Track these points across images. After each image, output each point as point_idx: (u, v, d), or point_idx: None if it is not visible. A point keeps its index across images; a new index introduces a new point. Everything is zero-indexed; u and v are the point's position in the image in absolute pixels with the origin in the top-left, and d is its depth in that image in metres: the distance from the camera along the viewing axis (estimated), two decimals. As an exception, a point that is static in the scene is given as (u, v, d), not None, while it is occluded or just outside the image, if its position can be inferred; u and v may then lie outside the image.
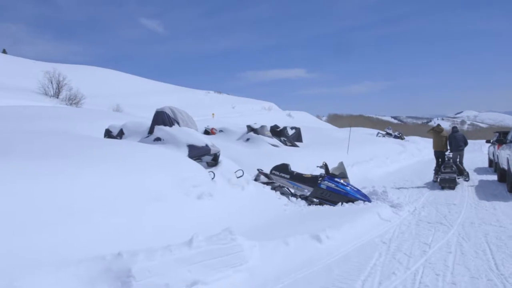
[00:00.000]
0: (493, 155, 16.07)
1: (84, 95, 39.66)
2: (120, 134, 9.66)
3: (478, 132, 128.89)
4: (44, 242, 3.89)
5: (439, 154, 13.10)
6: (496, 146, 14.86)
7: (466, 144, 13.07)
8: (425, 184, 12.39)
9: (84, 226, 4.42)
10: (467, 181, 12.33)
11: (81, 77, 64.13)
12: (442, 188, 11.20)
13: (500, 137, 15.24)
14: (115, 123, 10.71)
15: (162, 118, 8.60)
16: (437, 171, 12.40)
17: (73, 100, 37.93)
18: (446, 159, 12.56)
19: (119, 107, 44.22)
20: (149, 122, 9.17)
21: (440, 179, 11.33)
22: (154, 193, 5.71)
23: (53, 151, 5.76)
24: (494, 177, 13.54)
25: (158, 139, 8.12)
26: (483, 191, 10.81)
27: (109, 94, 60.46)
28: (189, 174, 6.62)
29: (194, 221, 5.82)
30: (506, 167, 11.15)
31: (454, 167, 11.54)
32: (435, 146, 13.31)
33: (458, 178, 11.62)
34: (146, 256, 3.83)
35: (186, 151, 7.65)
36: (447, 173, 11.33)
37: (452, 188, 11.12)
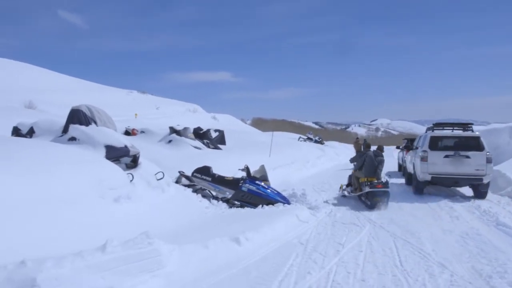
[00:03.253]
0: (402, 160, 17.37)
1: (-10, 89, 36.29)
2: (30, 133, 9.00)
3: (390, 139, 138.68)
4: None
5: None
6: (405, 152, 16.10)
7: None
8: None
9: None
10: None
11: (-12, 69, 58.76)
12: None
13: (408, 143, 16.54)
14: (25, 121, 9.95)
15: (78, 116, 8.16)
16: None
17: (-22, 95, 34.55)
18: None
19: (32, 103, 41.09)
20: (63, 121, 8.64)
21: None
22: (66, 196, 5.36)
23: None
24: (403, 180, 14.63)
25: (73, 139, 7.66)
26: (392, 194, 11.56)
27: (22, 89, 55.96)
28: (106, 176, 6.32)
29: (110, 225, 5.56)
30: (412, 171, 12.11)
31: None
32: (356, 148, 21.64)
33: None
34: (54, 264, 3.60)
35: (103, 152, 7.30)
36: None
37: None
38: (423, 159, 10.89)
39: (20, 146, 6.25)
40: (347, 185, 11.05)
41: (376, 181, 9.65)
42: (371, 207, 9.15)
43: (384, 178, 10.26)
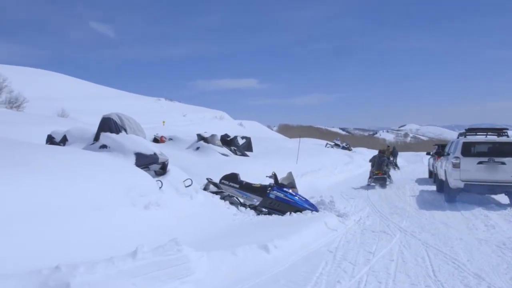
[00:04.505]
0: (433, 167, 16.95)
1: (26, 98, 37.60)
2: (64, 141, 9.26)
3: (419, 145, 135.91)
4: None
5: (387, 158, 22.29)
6: (435, 158, 15.71)
7: (397, 154, 26.40)
8: (371, 194, 12.82)
9: (18, 238, 4.15)
10: (398, 168, 23.62)
11: (24, 79, 60.96)
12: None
13: (439, 149, 16.13)
14: (58, 129, 10.26)
15: (108, 124, 8.33)
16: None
17: (14, 104, 35.81)
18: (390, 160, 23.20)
19: (64, 112, 42.40)
20: (94, 129, 8.85)
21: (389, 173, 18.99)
22: (98, 202, 5.48)
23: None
24: (434, 188, 14.27)
25: (104, 147, 7.84)
26: (423, 201, 11.35)
27: (55, 98, 57.84)
28: (136, 183, 6.44)
29: (141, 231, 5.65)
30: (444, 178, 11.79)
31: (394, 163, 23.80)
32: (387, 154, 22.14)
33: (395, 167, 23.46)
34: (86, 269, 3.66)
35: (133, 159, 7.44)
36: (392, 163, 22.55)
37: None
38: (455, 165, 10.59)
39: (54, 154, 6.43)
40: (369, 178, 15.56)
41: (381, 171, 15.20)
42: (375, 186, 14.65)
43: (394, 165, 20.45)
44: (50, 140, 9.75)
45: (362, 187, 14.63)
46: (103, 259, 3.90)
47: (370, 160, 16.47)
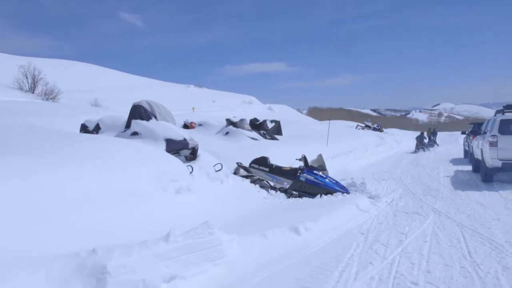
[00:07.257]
0: (468, 146, 16.44)
1: (61, 90, 38.71)
2: (97, 129, 9.49)
3: (454, 124, 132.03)
4: (16, 240, 3.79)
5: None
6: (471, 137, 15.21)
7: (436, 134, 31.19)
8: (403, 175, 12.59)
9: (58, 223, 4.32)
10: (437, 145, 28.41)
11: (58, 71, 62.85)
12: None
13: (475, 128, 15.60)
14: (91, 118, 10.52)
15: (139, 112, 8.48)
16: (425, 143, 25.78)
17: (49, 95, 36.94)
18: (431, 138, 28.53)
19: (97, 101, 43.48)
20: (126, 117, 9.03)
21: (427, 144, 25.32)
22: (131, 188, 5.62)
23: (26, 147, 5.61)
24: (469, 168, 13.86)
25: (135, 134, 8.00)
26: (458, 181, 11.06)
27: (88, 89, 59.38)
28: (167, 168, 6.54)
29: (173, 216, 5.76)
30: (480, 157, 11.41)
31: (434, 141, 28.53)
32: (428, 135, 28.19)
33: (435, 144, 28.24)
34: (122, 252, 3.77)
35: (164, 145, 7.56)
36: (432, 141, 27.68)
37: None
38: (492, 144, 10.22)
39: (89, 142, 6.61)
40: (415, 147, 23.36)
41: (420, 144, 23.65)
42: (415, 152, 22.16)
43: (434, 142, 27.55)
44: (84, 128, 10.01)
45: (394, 168, 14.36)
46: (138, 242, 4.01)
47: (416, 138, 24.66)
